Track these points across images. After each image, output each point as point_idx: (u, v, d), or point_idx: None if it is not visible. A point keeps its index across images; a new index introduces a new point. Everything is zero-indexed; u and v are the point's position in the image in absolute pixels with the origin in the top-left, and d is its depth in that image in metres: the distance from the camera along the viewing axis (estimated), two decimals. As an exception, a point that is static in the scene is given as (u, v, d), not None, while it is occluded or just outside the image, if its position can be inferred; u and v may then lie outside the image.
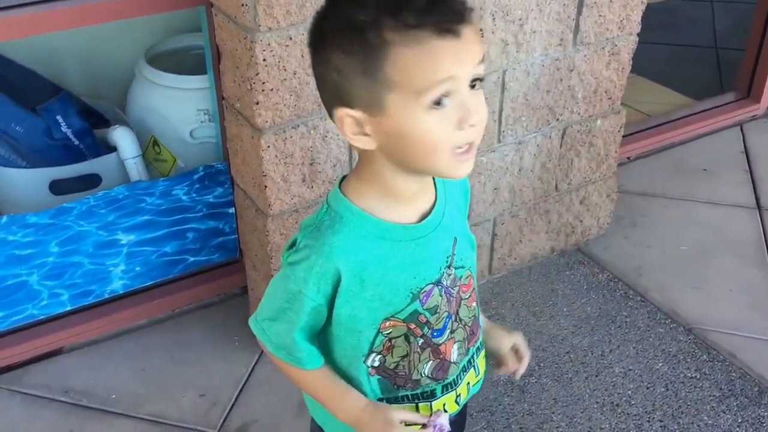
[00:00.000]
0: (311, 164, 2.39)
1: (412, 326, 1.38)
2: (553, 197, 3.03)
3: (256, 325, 1.42)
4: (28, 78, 2.94)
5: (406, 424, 1.42)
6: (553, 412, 2.54)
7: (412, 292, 1.35)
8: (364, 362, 1.40)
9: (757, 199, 3.54)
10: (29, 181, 2.83)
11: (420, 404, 1.47)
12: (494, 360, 1.62)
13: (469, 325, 1.50)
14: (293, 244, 1.33)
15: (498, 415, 2.52)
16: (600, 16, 2.75)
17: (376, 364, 1.40)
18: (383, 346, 1.38)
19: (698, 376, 2.65)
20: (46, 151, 2.82)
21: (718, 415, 2.52)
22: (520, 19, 2.58)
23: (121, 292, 2.82)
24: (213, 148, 2.88)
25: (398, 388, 1.44)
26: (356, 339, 1.37)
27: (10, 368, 2.70)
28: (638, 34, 2.90)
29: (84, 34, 2.91)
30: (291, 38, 2.16)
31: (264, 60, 2.15)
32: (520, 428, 2.49)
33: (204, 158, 2.89)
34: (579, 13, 2.70)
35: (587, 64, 2.82)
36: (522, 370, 1.60)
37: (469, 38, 1.17)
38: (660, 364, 2.70)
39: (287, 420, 2.51)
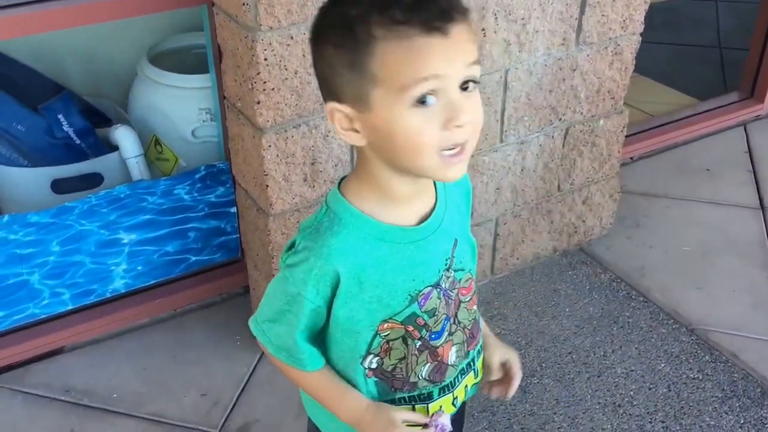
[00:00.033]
0: (312, 164, 2.39)
1: (410, 328, 1.37)
2: (556, 197, 3.03)
3: (256, 327, 1.42)
4: (30, 77, 2.94)
5: (408, 425, 1.42)
6: (554, 413, 2.53)
7: (410, 295, 1.35)
8: (362, 364, 1.39)
9: (761, 200, 3.54)
10: (31, 180, 2.82)
11: (416, 406, 1.46)
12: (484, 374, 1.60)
13: (469, 328, 1.49)
14: (292, 246, 1.33)
15: (500, 415, 2.51)
16: (603, 15, 2.74)
17: (374, 365, 1.40)
18: (381, 348, 1.38)
19: (700, 377, 2.64)
20: (47, 150, 2.82)
21: (721, 416, 2.51)
22: (523, 19, 2.57)
23: (123, 291, 2.82)
24: (215, 147, 2.88)
25: (395, 390, 1.44)
26: (354, 341, 1.37)
27: (11, 367, 2.70)
28: (641, 34, 2.90)
29: (86, 33, 2.90)
30: (292, 37, 2.16)
31: (265, 59, 2.15)
32: (522, 429, 2.48)
33: (206, 157, 2.88)
34: (582, 12, 2.69)
35: (590, 64, 2.81)
36: (512, 390, 1.57)
37: (459, 38, 1.16)
38: (662, 365, 2.69)
39: (289, 420, 2.50)
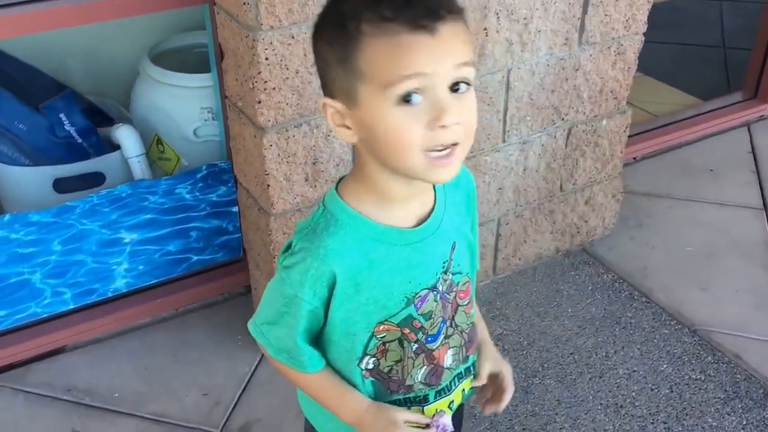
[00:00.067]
0: (314, 163, 2.38)
1: (406, 331, 1.37)
2: (558, 197, 3.02)
3: (255, 329, 1.42)
4: (32, 76, 2.94)
5: (409, 425, 1.41)
6: (556, 414, 2.53)
7: (406, 297, 1.34)
8: (358, 365, 1.39)
9: (764, 200, 3.53)
10: (32, 179, 2.83)
11: (412, 408, 1.45)
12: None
13: (467, 331, 1.48)
14: (289, 247, 1.32)
15: (501, 416, 2.51)
16: (606, 15, 2.73)
17: (370, 366, 1.39)
18: (377, 349, 1.37)
19: (703, 378, 2.64)
20: (49, 149, 2.82)
21: (723, 418, 2.50)
22: (525, 19, 2.56)
23: (125, 290, 2.82)
24: (217, 146, 2.88)
25: (391, 392, 1.43)
26: (350, 342, 1.37)
27: (12, 366, 2.70)
28: (644, 34, 2.89)
29: (88, 32, 2.90)
30: (293, 37, 2.16)
31: (266, 59, 2.15)
32: (523, 429, 2.47)
33: (208, 157, 2.88)
34: (584, 12, 2.69)
35: (593, 64, 2.81)
36: (503, 404, 1.55)
37: (448, 37, 1.15)
38: (664, 366, 2.68)
39: (290, 419, 2.50)
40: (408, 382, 1.43)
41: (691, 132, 3.97)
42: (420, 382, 1.43)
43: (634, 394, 2.59)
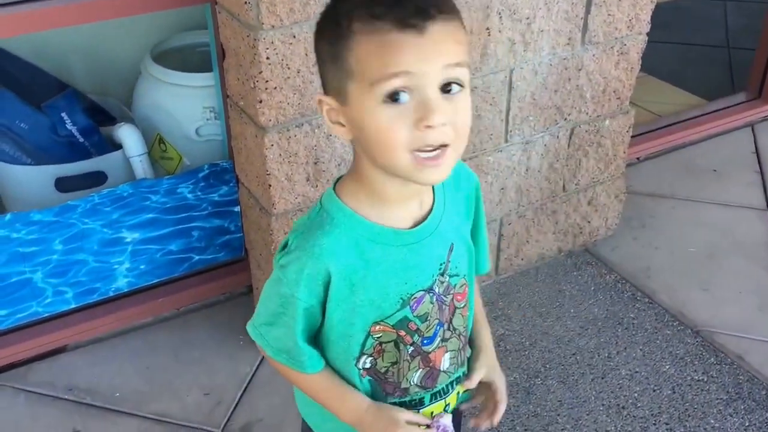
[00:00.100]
0: (315, 163, 2.38)
1: (402, 333, 1.36)
2: (561, 197, 3.01)
3: (254, 331, 1.41)
4: (34, 74, 2.94)
5: (410, 425, 1.41)
6: (558, 414, 2.52)
7: (402, 298, 1.33)
8: (356, 365, 1.38)
9: (768, 201, 3.53)
10: (34, 179, 2.82)
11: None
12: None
13: (464, 334, 1.48)
14: (286, 245, 1.32)
15: (503, 416, 2.48)
16: (609, 15, 2.73)
17: (368, 366, 1.39)
18: (374, 349, 1.37)
19: (705, 379, 2.63)
20: (51, 148, 2.82)
21: (725, 419, 2.49)
22: (528, 18, 2.56)
23: (126, 290, 2.82)
24: (219, 146, 2.87)
25: (386, 395, 1.43)
26: (347, 343, 1.36)
27: (14, 366, 2.70)
28: (647, 34, 2.88)
29: (91, 31, 2.90)
30: (294, 36, 2.15)
31: (267, 58, 2.14)
32: (525, 430, 2.47)
33: (210, 156, 2.88)
34: (587, 12, 2.68)
35: (596, 64, 2.80)
36: (497, 418, 1.54)
37: (438, 37, 1.15)
38: (667, 367, 2.68)
39: (291, 419, 2.48)
40: (404, 385, 1.42)
41: (694, 132, 3.96)
42: (415, 384, 1.43)
43: (636, 395, 2.58)
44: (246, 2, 2.09)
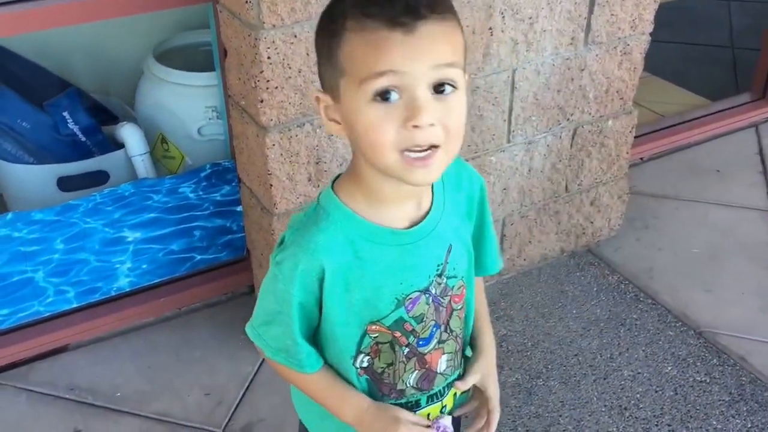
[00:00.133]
0: (317, 163, 2.38)
1: (398, 334, 1.35)
2: (563, 198, 3.01)
3: (252, 332, 1.40)
4: (36, 73, 2.95)
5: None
6: (560, 415, 2.51)
7: (397, 298, 1.32)
8: (353, 363, 1.38)
9: (772, 202, 3.52)
10: (36, 178, 2.83)
11: None
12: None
13: (462, 337, 1.47)
14: (282, 242, 1.32)
15: (504, 417, 2.49)
16: (612, 15, 2.72)
17: (365, 365, 1.38)
18: (370, 348, 1.36)
19: (708, 380, 2.62)
20: (53, 147, 2.82)
21: (728, 420, 2.49)
22: (530, 18, 2.55)
23: (128, 289, 2.82)
24: (221, 145, 2.87)
25: (383, 395, 1.42)
26: (345, 340, 1.35)
27: (15, 365, 2.70)
28: (651, 34, 2.87)
29: (93, 30, 2.90)
30: (296, 36, 2.15)
31: (268, 58, 2.14)
32: (527, 431, 2.46)
33: (212, 155, 2.88)
34: (590, 12, 2.67)
35: (599, 64, 2.79)
36: (491, 429, 1.52)
37: (428, 37, 1.14)
38: (669, 368, 2.67)
39: (292, 420, 2.44)
40: (399, 387, 1.41)
41: (698, 133, 3.95)
42: (411, 386, 1.42)
43: (638, 395, 2.57)
44: (247, 1, 2.09)
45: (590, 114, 2.88)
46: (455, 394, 1.51)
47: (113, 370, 2.69)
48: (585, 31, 2.70)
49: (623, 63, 2.84)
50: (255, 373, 2.66)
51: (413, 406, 1.44)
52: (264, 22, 2.09)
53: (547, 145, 2.85)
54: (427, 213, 1.33)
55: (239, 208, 2.79)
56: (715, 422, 2.48)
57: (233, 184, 2.78)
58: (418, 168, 1.18)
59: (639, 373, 2.65)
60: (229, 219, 2.85)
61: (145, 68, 3.01)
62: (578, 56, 2.73)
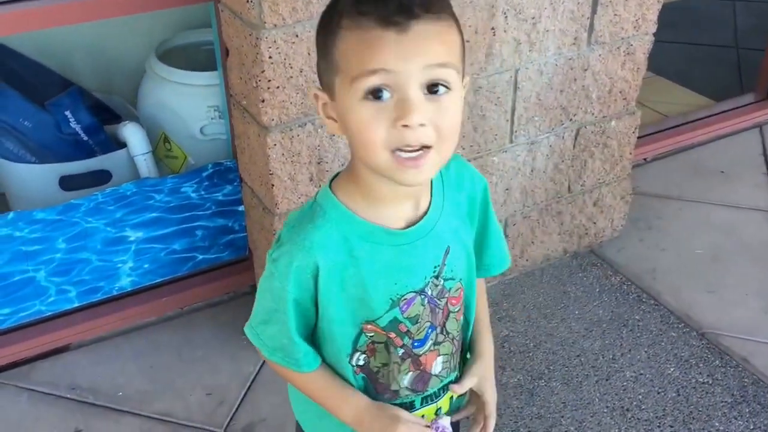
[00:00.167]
0: (319, 163, 2.37)
1: (392, 335, 1.35)
2: (566, 198, 3.00)
3: (250, 331, 1.40)
4: (38, 72, 2.95)
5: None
6: (562, 416, 2.51)
7: (391, 299, 1.32)
8: (350, 362, 1.37)
9: (775, 202, 3.50)
10: (38, 177, 2.83)
11: None
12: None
13: (458, 339, 1.46)
14: (278, 239, 1.32)
15: (506, 418, 2.49)
16: (615, 15, 2.71)
17: (361, 363, 1.38)
18: (366, 346, 1.36)
19: (710, 382, 2.61)
20: (55, 146, 2.82)
21: (730, 422, 2.48)
22: (533, 18, 2.54)
23: (129, 289, 2.82)
24: (224, 145, 2.87)
25: (377, 394, 1.41)
26: (340, 340, 1.35)
27: (16, 364, 2.70)
28: (655, 34, 2.87)
29: (96, 29, 2.90)
30: (297, 35, 2.14)
31: (270, 57, 2.13)
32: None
33: (215, 155, 2.88)
34: (593, 12, 2.67)
35: (602, 64, 2.79)
36: None
37: (421, 36, 1.13)
38: (672, 369, 2.66)
39: (294, 420, 2.48)
40: (393, 387, 1.41)
41: (702, 133, 3.94)
42: (406, 387, 1.41)
43: (640, 397, 2.56)
44: (248, 1, 2.08)
45: (593, 114, 2.87)
46: (451, 397, 1.50)
47: (115, 370, 2.69)
48: (588, 31, 2.69)
49: (626, 63, 2.84)
50: (257, 373, 2.66)
51: (408, 407, 1.43)
52: (265, 22, 2.09)
53: (550, 146, 2.84)
54: (425, 213, 1.32)
55: (241, 208, 2.78)
56: (717, 424, 2.47)
57: (235, 183, 2.78)
58: (409, 168, 1.17)
59: (641, 374, 2.64)
60: (231, 219, 2.85)
61: (148, 67, 3.01)
62: (581, 56, 2.73)
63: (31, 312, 2.68)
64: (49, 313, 2.72)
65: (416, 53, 1.13)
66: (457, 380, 1.49)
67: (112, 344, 2.79)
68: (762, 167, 3.75)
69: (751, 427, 2.46)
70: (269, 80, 2.17)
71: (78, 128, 2.84)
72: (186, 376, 2.66)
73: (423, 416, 1.46)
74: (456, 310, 1.42)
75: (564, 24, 2.62)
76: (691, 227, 3.35)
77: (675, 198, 3.53)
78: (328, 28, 1.18)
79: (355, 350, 1.36)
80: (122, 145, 2.89)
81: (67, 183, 2.84)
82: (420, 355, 1.39)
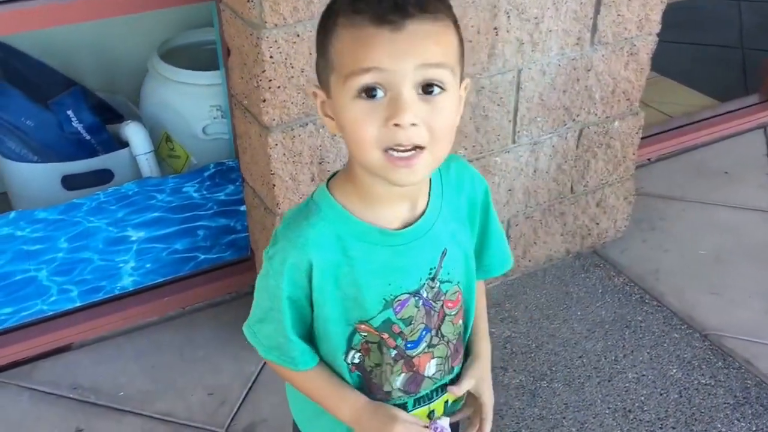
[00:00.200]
0: (320, 163, 2.37)
1: (385, 336, 1.34)
2: (569, 199, 2.99)
3: (248, 330, 1.41)
4: (40, 72, 2.95)
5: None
6: (564, 417, 2.50)
7: (385, 299, 1.31)
8: (345, 359, 1.37)
9: (779, 204, 3.49)
10: (41, 176, 2.83)
11: None
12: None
13: (453, 342, 1.45)
14: (274, 237, 1.31)
15: (508, 419, 2.49)
16: (618, 15, 2.70)
17: (356, 361, 1.38)
18: (361, 345, 1.36)
19: (713, 383, 2.60)
20: (57, 145, 2.82)
21: (732, 423, 2.47)
22: (536, 18, 2.54)
23: (131, 288, 2.81)
24: (226, 144, 2.87)
25: (371, 393, 1.41)
26: (335, 337, 1.35)
27: (18, 364, 2.70)
28: (658, 34, 2.86)
29: (98, 28, 2.90)
30: (298, 35, 2.14)
31: (270, 57, 2.13)
32: (530, 433, 2.46)
33: (217, 155, 2.88)
34: (597, 12, 2.66)
35: (605, 64, 2.78)
36: None
37: (416, 36, 1.13)
38: (674, 370, 2.65)
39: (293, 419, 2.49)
40: (386, 388, 1.40)
41: (706, 134, 3.94)
42: (398, 388, 1.41)
43: (642, 398, 2.56)
44: (249, 0, 2.08)
45: (596, 115, 2.87)
46: (446, 400, 1.49)
47: (116, 370, 2.69)
48: (591, 31, 2.68)
49: (630, 64, 2.83)
50: (258, 373, 2.66)
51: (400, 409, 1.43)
52: (266, 22, 2.09)
53: (553, 146, 2.83)
54: (422, 215, 1.32)
55: (243, 208, 2.78)
56: (719, 425, 2.46)
57: (237, 183, 2.78)
58: (401, 168, 1.17)
59: (644, 375, 2.64)
60: (233, 218, 2.84)
61: (150, 67, 3.00)
62: (584, 56, 2.72)
63: (33, 311, 2.68)
64: (51, 313, 2.72)
65: (410, 52, 1.12)
66: (455, 381, 1.49)
67: (114, 344, 2.78)
68: (766, 168, 3.74)
69: (754, 429, 2.45)
70: (270, 80, 2.16)
71: (80, 127, 2.84)
72: (187, 376, 2.66)
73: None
74: (453, 313, 1.42)
75: (567, 24, 2.62)
76: (695, 228, 3.34)
77: (678, 199, 3.52)
78: (325, 27, 1.19)
79: (350, 348, 1.36)
80: (124, 144, 2.89)
81: (70, 182, 2.84)
82: (413, 357, 1.39)
